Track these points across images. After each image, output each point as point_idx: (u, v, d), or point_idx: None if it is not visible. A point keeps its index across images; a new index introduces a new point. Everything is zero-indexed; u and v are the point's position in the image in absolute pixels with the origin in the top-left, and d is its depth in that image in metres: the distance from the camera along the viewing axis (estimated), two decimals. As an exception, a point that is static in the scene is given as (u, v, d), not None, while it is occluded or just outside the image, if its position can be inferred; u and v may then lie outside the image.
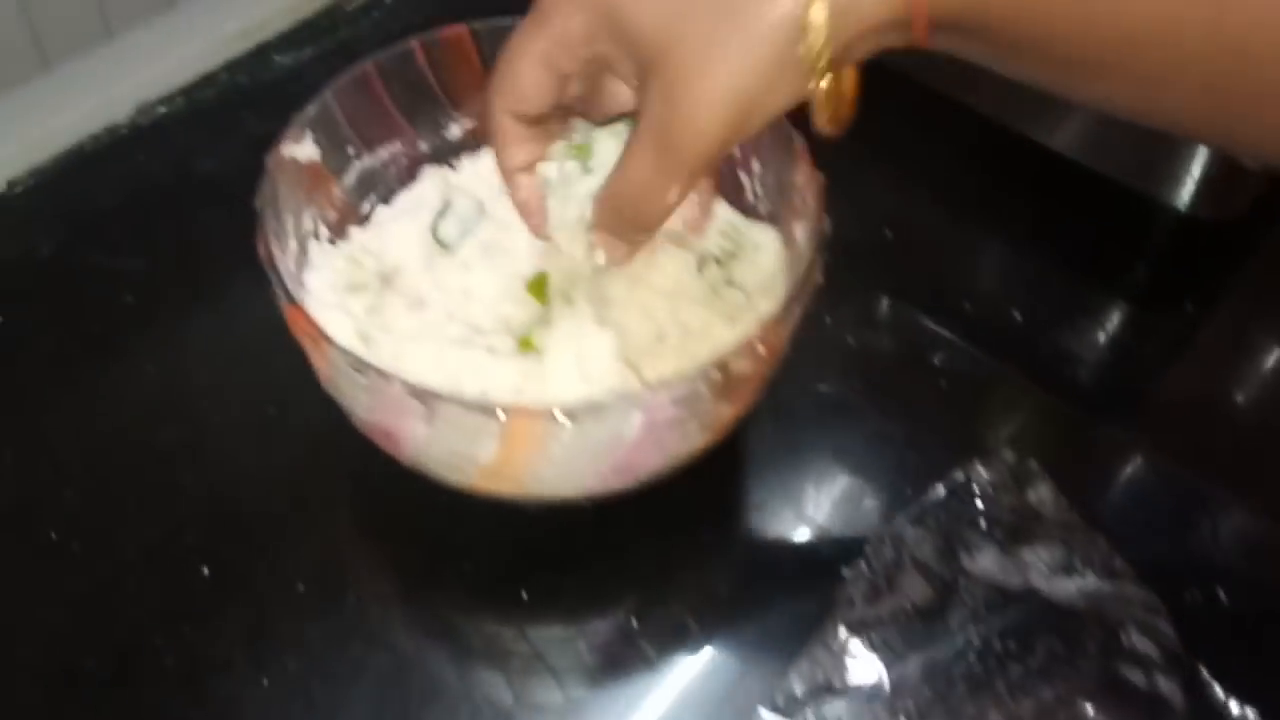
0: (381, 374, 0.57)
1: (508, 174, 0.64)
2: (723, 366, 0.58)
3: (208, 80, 0.99)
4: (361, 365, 0.57)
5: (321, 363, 0.61)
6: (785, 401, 0.76)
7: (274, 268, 0.61)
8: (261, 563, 0.69)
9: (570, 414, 0.56)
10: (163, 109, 0.96)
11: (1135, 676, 0.64)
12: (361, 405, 0.61)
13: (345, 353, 0.58)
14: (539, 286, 0.70)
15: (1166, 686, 0.63)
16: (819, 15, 0.50)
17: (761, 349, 0.59)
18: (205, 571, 0.68)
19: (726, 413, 0.63)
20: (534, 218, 0.65)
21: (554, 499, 0.65)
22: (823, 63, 0.51)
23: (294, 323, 0.60)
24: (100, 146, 0.93)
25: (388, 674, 0.65)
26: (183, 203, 0.89)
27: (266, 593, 0.68)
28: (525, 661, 0.66)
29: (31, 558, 0.69)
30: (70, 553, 0.69)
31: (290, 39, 1.03)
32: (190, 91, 0.98)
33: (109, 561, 0.69)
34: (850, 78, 0.55)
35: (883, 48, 0.53)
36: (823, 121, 0.55)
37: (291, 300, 0.60)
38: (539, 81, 0.59)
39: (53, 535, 0.70)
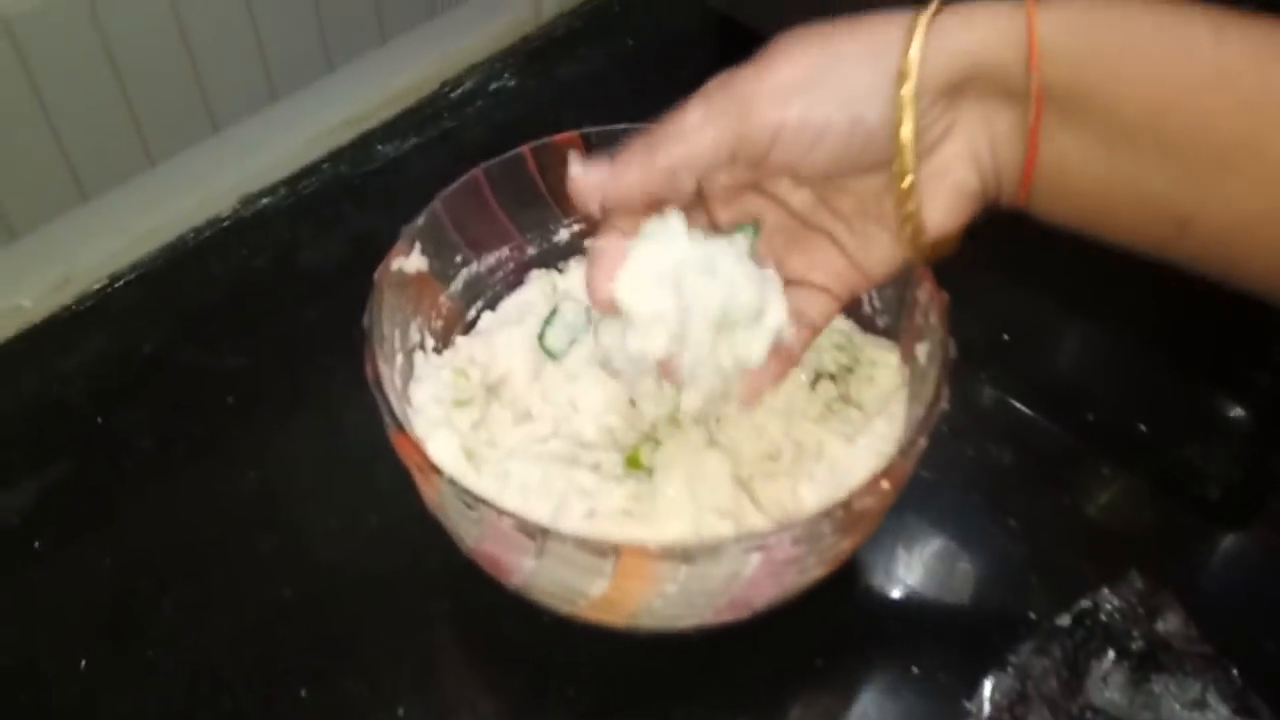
0: (492, 508, 0.55)
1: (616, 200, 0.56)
2: (846, 505, 0.55)
3: (311, 171, 0.98)
4: (472, 500, 0.55)
5: (429, 491, 0.59)
6: (902, 519, 0.73)
7: (381, 390, 0.60)
8: (362, 684, 0.67)
9: (686, 555, 0.54)
10: (266, 200, 0.96)
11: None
12: (469, 535, 0.59)
13: (455, 485, 0.56)
14: (636, 459, 0.67)
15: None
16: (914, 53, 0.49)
17: (886, 484, 0.57)
18: (303, 693, 0.66)
19: (846, 546, 0.61)
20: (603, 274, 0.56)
21: (667, 631, 0.63)
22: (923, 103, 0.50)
23: (401, 449, 0.58)
24: (203, 240, 0.93)
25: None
26: (285, 297, 0.88)
27: (366, 715, 0.66)
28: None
29: (129, 676, 0.68)
30: (167, 671, 0.68)
31: (394, 128, 1.02)
32: (293, 183, 0.97)
33: (207, 681, 0.67)
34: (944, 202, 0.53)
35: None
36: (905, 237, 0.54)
37: (399, 427, 0.58)
38: (716, 153, 0.53)
39: (149, 653, 0.68)
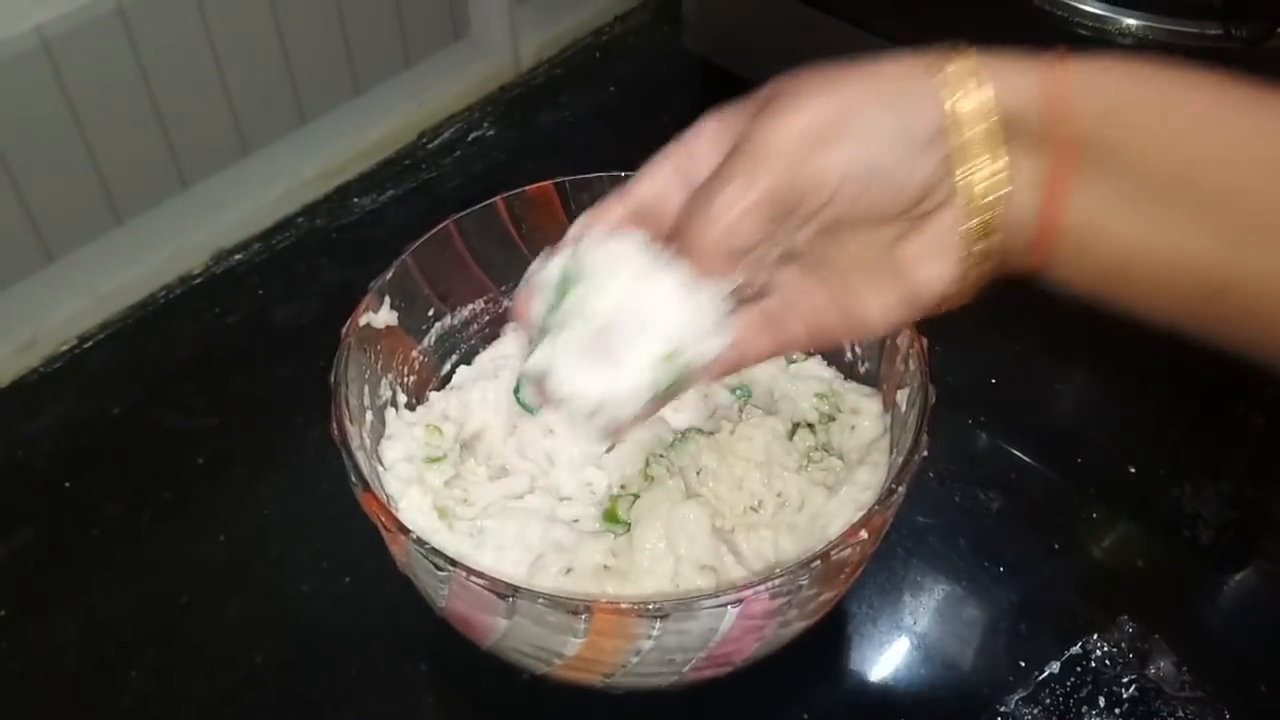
0: (460, 568, 0.53)
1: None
2: (824, 557, 0.54)
3: (285, 225, 0.97)
4: (440, 561, 0.53)
5: (398, 551, 0.57)
6: (889, 566, 0.72)
7: (347, 448, 0.58)
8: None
9: (660, 611, 0.52)
10: (238, 256, 0.94)
11: None
12: (439, 595, 0.58)
13: (422, 545, 0.54)
14: (614, 513, 0.66)
15: None
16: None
17: (865, 534, 0.55)
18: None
19: (828, 598, 0.59)
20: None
21: (645, 689, 0.61)
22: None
23: (369, 508, 0.56)
24: (173, 298, 0.91)
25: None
26: (257, 356, 0.87)
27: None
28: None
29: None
30: (136, 742, 0.66)
31: (370, 180, 1.01)
32: (267, 238, 0.96)
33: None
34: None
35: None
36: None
37: (367, 487, 0.57)
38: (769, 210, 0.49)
39: (117, 724, 0.66)
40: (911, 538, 0.73)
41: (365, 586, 0.72)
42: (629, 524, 0.64)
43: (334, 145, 1.01)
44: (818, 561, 0.53)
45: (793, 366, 0.74)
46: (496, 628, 0.56)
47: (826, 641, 0.69)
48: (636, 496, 0.65)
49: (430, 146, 1.05)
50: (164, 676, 0.69)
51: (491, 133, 1.07)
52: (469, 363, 0.75)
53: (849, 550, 0.55)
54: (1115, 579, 0.73)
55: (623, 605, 0.53)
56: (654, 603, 0.52)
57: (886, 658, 0.69)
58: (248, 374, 0.86)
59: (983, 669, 0.68)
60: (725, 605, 0.53)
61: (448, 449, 0.68)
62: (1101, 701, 0.65)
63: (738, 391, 0.72)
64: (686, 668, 0.58)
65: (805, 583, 0.54)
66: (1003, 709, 0.65)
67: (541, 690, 0.64)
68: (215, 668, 0.69)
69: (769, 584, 0.53)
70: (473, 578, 0.53)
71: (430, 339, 0.72)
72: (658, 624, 0.53)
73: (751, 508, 0.66)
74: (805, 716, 0.67)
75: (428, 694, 0.70)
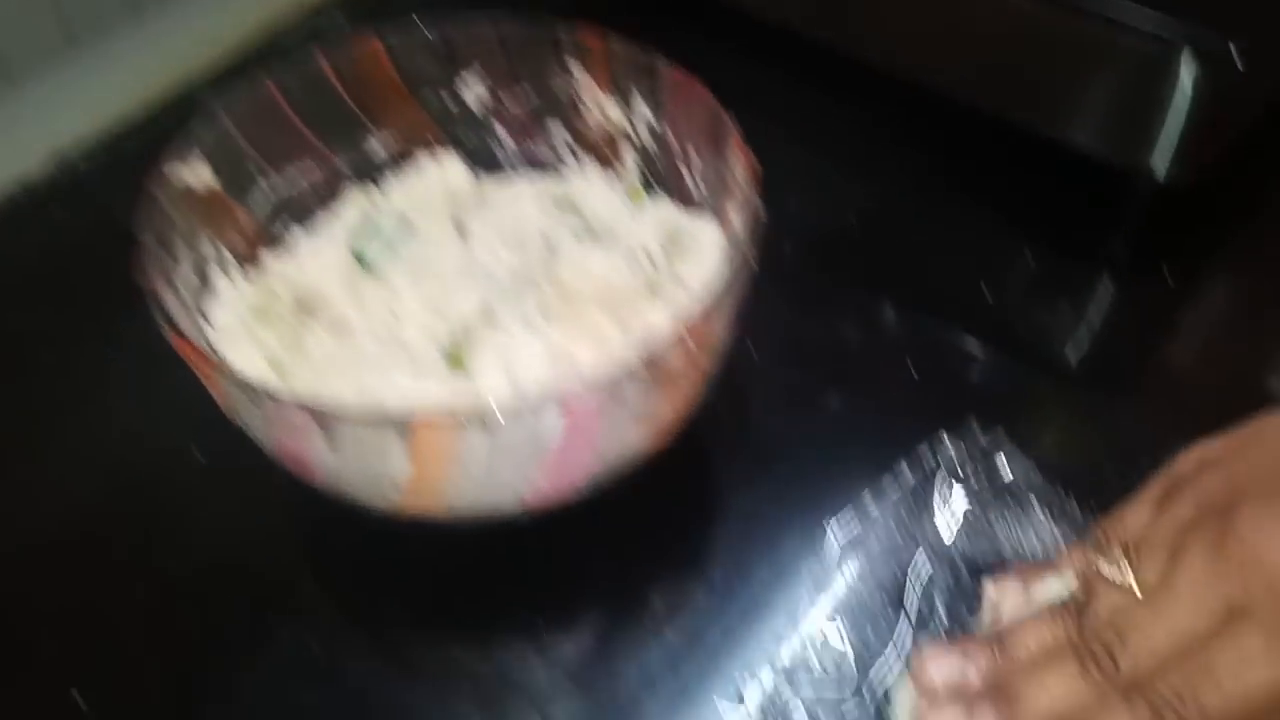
0: (272, 394, 0.52)
1: None
2: (646, 358, 0.53)
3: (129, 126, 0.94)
4: (249, 387, 0.52)
5: (217, 390, 0.56)
6: (745, 397, 0.73)
7: (156, 298, 0.57)
8: (196, 611, 0.65)
9: (479, 419, 0.51)
10: (79, 159, 0.91)
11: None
12: (263, 431, 0.57)
13: (234, 375, 0.53)
14: (457, 357, 0.65)
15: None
16: None
17: (690, 340, 0.54)
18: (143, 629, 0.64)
19: (665, 409, 0.58)
20: None
21: (494, 515, 0.60)
22: None
23: (181, 350, 0.55)
24: (14, 203, 0.89)
25: (344, 710, 0.61)
26: (99, 256, 0.84)
27: (200, 642, 0.64)
28: (489, 683, 0.62)
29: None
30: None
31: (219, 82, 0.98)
32: (109, 139, 0.93)
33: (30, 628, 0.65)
34: None
35: None
36: None
37: (175, 327, 0.55)
38: None
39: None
40: (768, 372, 0.74)
41: (219, 459, 0.71)
42: (469, 366, 0.64)
43: (180, 36, 0.98)
44: (640, 363, 0.53)
45: (638, 203, 0.73)
46: (324, 459, 0.55)
47: (683, 473, 0.69)
48: (477, 339, 0.65)
49: (282, 44, 1.02)
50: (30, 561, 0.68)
51: (348, 29, 1.04)
52: (302, 223, 0.73)
53: (669, 350, 0.54)
54: (968, 394, 0.74)
55: (440, 416, 0.52)
56: (473, 408, 0.52)
57: (742, 474, 0.70)
58: (93, 273, 0.83)
59: (839, 483, 0.68)
60: (546, 407, 0.52)
61: (284, 310, 0.67)
62: (950, 495, 0.66)
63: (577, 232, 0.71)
64: (525, 487, 0.57)
65: (625, 382, 0.53)
66: (854, 506, 0.66)
67: (407, 532, 0.64)
68: (77, 556, 0.68)
69: (588, 385, 0.52)
70: (286, 403, 0.52)
71: (259, 201, 0.70)
72: (479, 434, 0.52)
73: (596, 342, 0.65)
74: (665, 536, 0.68)
75: (291, 548, 0.70)
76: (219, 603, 0.65)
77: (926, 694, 0.55)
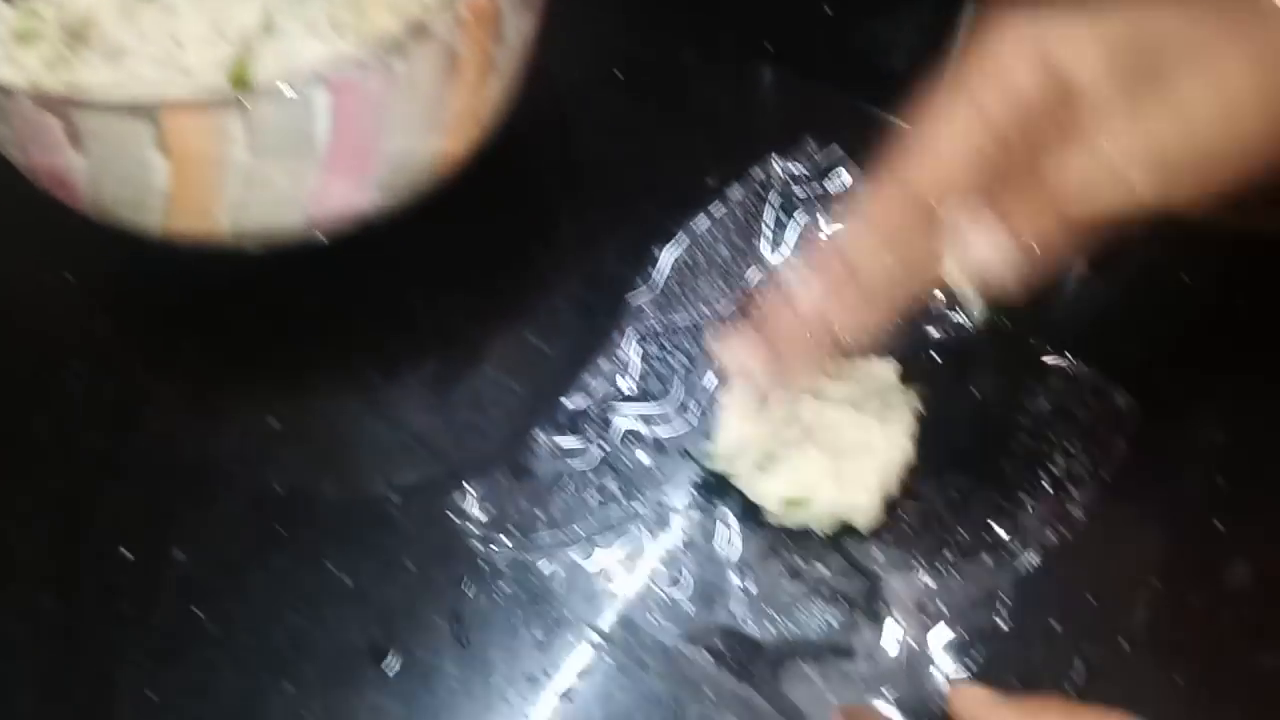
0: (5, 90, 0.47)
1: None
2: (414, 27, 0.49)
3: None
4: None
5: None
6: (561, 116, 0.70)
7: None
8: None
9: (234, 101, 0.47)
10: None
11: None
12: (16, 148, 0.52)
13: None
14: (240, 78, 0.60)
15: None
16: None
17: (464, 9, 0.50)
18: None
19: (454, 103, 0.54)
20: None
21: (281, 234, 0.56)
22: None
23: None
24: None
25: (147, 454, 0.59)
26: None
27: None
28: (305, 414, 0.60)
29: None
30: None
31: None
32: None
33: None
34: None
35: None
36: None
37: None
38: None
39: None
40: (583, 86, 0.71)
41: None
42: (254, 85, 0.59)
43: None
44: (406, 33, 0.49)
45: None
46: (76, 168, 0.51)
47: (499, 192, 0.65)
48: (258, 55, 0.60)
49: None
50: None
51: None
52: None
53: (440, 18, 0.50)
54: (803, 113, 0.70)
55: (189, 100, 0.47)
56: (228, 91, 0.47)
57: (564, 203, 0.67)
58: None
59: (666, 200, 0.65)
60: (311, 89, 0.48)
61: (50, 31, 0.62)
62: (779, 212, 0.64)
63: None
64: (306, 195, 0.53)
65: (391, 53, 0.49)
66: (684, 230, 0.64)
67: (192, 270, 0.61)
68: None
69: (353, 61, 0.48)
70: (19, 96, 0.47)
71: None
72: (240, 120, 0.48)
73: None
74: (474, 274, 0.64)
75: (79, 295, 0.65)
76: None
77: (736, 376, 0.52)
